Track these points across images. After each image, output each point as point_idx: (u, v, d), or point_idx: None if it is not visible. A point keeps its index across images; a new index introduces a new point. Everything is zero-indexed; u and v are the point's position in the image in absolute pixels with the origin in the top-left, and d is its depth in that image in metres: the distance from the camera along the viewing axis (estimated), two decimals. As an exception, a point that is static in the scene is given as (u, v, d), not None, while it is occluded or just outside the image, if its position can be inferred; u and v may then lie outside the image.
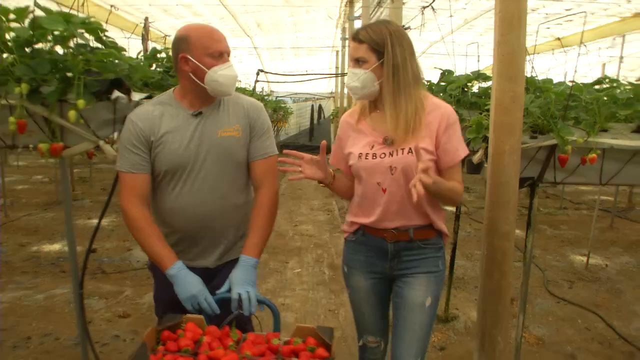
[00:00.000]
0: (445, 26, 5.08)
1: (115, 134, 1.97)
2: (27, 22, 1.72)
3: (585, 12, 4.00)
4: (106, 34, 1.88)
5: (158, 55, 2.81)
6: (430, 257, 1.75)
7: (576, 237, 5.71)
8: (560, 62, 9.78)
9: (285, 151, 1.75)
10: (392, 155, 1.65)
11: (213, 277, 1.77)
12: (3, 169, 6.22)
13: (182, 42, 1.62)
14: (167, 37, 7.44)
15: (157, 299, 1.89)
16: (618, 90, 2.14)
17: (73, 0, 2.24)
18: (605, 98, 1.88)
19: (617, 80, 2.12)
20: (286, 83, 12.05)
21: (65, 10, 1.85)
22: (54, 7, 1.84)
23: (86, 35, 1.78)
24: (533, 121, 1.91)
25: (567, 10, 7.79)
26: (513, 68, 1.76)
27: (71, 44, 1.78)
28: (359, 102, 1.79)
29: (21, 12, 1.70)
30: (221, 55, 1.63)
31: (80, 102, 1.63)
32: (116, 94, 1.77)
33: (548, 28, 9.12)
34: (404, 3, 6.12)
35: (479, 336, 2.00)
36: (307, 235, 5.73)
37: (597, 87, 2.28)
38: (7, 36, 1.71)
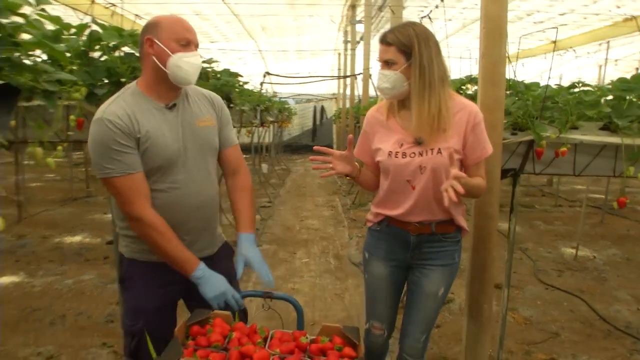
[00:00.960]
0: (444, 30, 5.39)
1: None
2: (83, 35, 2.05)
3: (557, 27, 4.24)
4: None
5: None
6: (449, 250, 1.88)
7: (568, 231, 6.02)
8: (557, 64, 10.11)
9: (315, 148, 1.84)
10: (422, 155, 1.74)
11: (212, 264, 1.74)
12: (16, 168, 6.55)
13: (152, 26, 1.61)
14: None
15: (136, 309, 1.71)
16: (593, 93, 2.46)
17: (87, 6, 2.56)
18: (577, 100, 2.20)
19: (587, 84, 2.44)
20: (289, 85, 12.38)
21: (72, 10, 2.17)
22: (58, 9, 2.16)
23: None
24: (514, 120, 2.22)
25: (560, 15, 8.13)
26: (495, 75, 2.08)
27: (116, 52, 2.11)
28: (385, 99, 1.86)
29: (81, 27, 2.02)
30: (189, 44, 1.61)
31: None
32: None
33: (543, 31, 9.45)
34: (404, 8, 6.45)
35: (468, 304, 2.32)
36: (313, 229, 6.06)
37: (572, 90, 2.60)
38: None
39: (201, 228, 1.76)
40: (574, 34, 8.96)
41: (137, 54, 2.12)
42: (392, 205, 1.86)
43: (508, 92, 2.47)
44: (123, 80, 1.99)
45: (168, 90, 1.65)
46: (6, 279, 4.10)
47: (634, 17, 6.88)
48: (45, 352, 2.92)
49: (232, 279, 1.73)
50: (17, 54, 1.13)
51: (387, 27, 9.25)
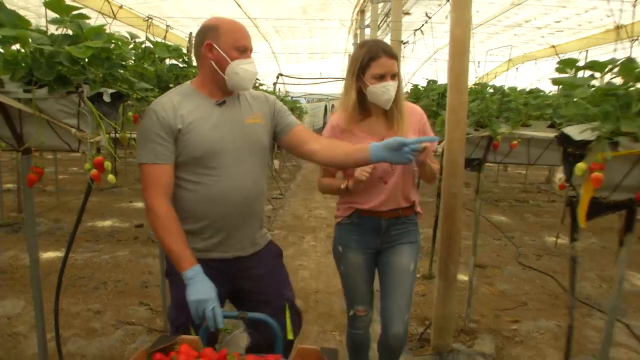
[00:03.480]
0: (437, 41, 5.93)
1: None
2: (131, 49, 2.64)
3: (511, 45, 4.74)
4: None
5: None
6: (412, 230, 2.13)
7: (554, 223, 6.52)
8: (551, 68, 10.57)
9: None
10: None
11: (248, 266, 1.80)
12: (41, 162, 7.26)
13: (211, 30, 1.65)
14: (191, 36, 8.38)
15: (180, 303, 1.65)
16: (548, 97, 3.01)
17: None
18: (525, 102, 2.75)
19: (540, 90, 2.99)
20: (301, 85, 12.96)
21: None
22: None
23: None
24: (476, 119, 2.78)
25: (556, 22, 8.62)
26: (459, 84, 2.63)
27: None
28: (343, 109, 2.02)
29: (139, 45, 2.61)
30: (245, 50, 1.66)
31: (178, 103, 2.54)
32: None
33: (543, 37, 9.94)
34: (409, 14, 7.00)
35: (438, 267, 2.87)
36: (321, 218, 6.64)
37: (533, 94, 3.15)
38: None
39: (239, 225, 1.76)
40: (570, 40, 9.42)
41: (181, 65, 2.74)
42: (363, 200, 2.05)
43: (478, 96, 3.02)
44: (171, 86, 2.57)
45: (221, 91, 1.71)
46: (51, 254, 4.72)
47: (623, 26, 7.34)
48: (94, 308, 3.53)
49: (280, 280, 1.87)
50: (121, 71, 1.71)
51: (387, 36, 9.77)
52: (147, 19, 3.62)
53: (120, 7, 7.17)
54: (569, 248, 1.70)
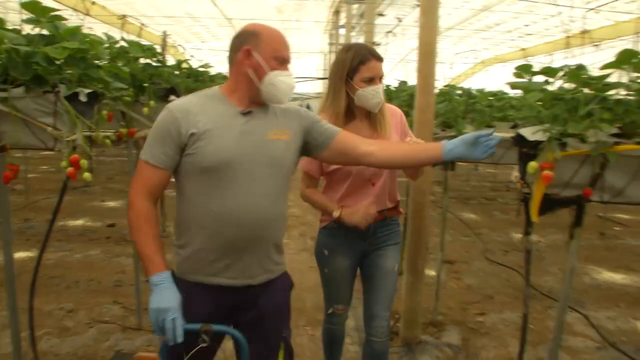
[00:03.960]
0: (408, 42, 6.07)
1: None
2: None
3: (475, 50, 4.91)
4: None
5: (182, 65, 3.77)
6: (396, 231, 2.15)
7: (522, 220, 6.73)
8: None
9: None
10: None
11: (257, 295, 1.62)
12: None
13: (251, 36, 1.54)
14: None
15: None
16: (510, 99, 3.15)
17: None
18: (489, 104, 2.88)
19: (504, 92, 3.13)
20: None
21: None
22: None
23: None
24: (443, 120, 2.90)
25: (525, 25, 8.88)
26: (427, 86, 2.74)
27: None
28: (330, 114, 1.96)
29: (113, 43, 2.64)
30: (285, 62, 1.57)
31: (152, 102, 2.58)
32: (172, 97, 2.71)
33: (512, 40, 10.23)
34: (383, 15, 7.12)
35: (407, 261, 2.98)
36: (294, 216, 6.71)
37: (500, 96, 3.29)
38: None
39: (249, 249, 1.56)
40: (539, 43, 9.72)
41: (154, 64, 2.77)
42: (351, 203, 1.99)
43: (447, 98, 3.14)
44: (145, 85, 2.61)
45: (251, 101, 1.58)
46: (22, 254, 4.67)
47: (587, 31, 7.62)
48: (66, 307, 3.53)
49: (283, 317, 1.70)
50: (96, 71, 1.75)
51: (362, 37, 9.88)
52: (121, 17, 3.63)
53: (93, 3, 7.12)
54: (523, 241, 1.81)
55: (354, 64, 1.91)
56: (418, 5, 3.81)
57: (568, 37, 7.42)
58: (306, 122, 1.69)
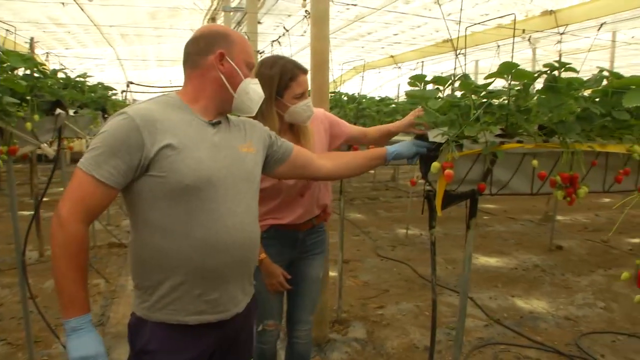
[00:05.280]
0: (293, 50, 6.23)
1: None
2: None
3: (364, 59, 5.26)
4: None
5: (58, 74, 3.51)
6: (323, 238, 2.15)
7: (403, 217, 7.22)
8: (395, 75, 11.70)
9: None
10: None
11: (241, 324, 1.49)
12: None
13: (222, 38, 1.39)
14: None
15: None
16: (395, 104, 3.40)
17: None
18: (378, 109, 3.09)
19: (390, 98, 3.37)
20: (152, 93, 12.49)
21: None
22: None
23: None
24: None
25: (394, 34, 9.53)
26: (322, 94, 2.86)
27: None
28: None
29: (-17, 54, 2.39)
30: (252, 69, 1.46)
31: (36, 117, 2.38)
32: (58, 110, 2.52)
33: (383, 47, 10.90)
34: (260, 22, 7.19)
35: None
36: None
37: (385, 102, 3.52)
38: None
39: (238, 274, 1.43)
40: (407, 50, 10.47)
41: (37, 75, 2.55)
42: (281, 216, 1.98)
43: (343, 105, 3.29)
44: (28, 97, 2.40)
45: (217, 111, 1.43)
46: None
47: (450, 39, 8.39)
48: None
49: (251, 340, 1.61)
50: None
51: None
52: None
53: None
54: (429, 234, 1.98)
55: (283, 81, 1.83)
56: (305, 16, 3.96)
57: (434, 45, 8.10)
58: (266, 135, 1.59)
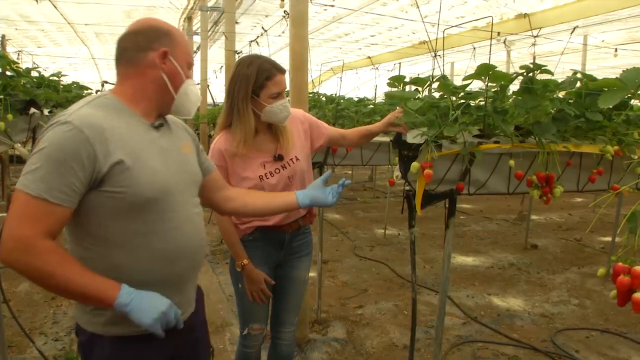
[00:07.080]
0: (271, 50, 6.22)
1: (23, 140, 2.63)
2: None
3: (342, 60, 5.28)
4: None
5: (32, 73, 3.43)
6: (309, 240, 2.13)
7: (381, 217, 7.26)
8: (372, 76, 11.77)
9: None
10: (285, 168, 1.93)
11: (195, 322, 1.45)
12: None
13: (164, 35, 1.30)
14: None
15: None
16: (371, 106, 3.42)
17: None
18: (356, 110, 3.10)
19: (368, 99, 3.39)
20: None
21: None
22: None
23: None
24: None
25: (372, 36, 9.59)
26: (301, 94, 2.86)
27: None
28: (232, 133, 1.87)
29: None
30: (191, 69, 1.40)
31: (9, 116, 2.32)
32: (32, 110, 2.47)
33: (360, 49, 10.96)
34: (238, 23, 7.16)
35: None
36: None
37: (362, 103, 3.54)
38: None
39: (193, 276, 1.42)
40: (384, 52, 10.55)
41: (10, 73, 2.49)
42: (266, 217, 1.95)
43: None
44: (1, 97, 2.34)
45: (157, 112, 1.36)
46: None
47: (426, 42, 8.48)
48: None
49: (207, 329, 1.60)
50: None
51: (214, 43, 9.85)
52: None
53: None
54: (408, 234, 2.00)
55: (259, 80, 1.80)
56: (284, 17, 3.95)
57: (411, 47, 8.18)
58: (197, 142, 1.53)
